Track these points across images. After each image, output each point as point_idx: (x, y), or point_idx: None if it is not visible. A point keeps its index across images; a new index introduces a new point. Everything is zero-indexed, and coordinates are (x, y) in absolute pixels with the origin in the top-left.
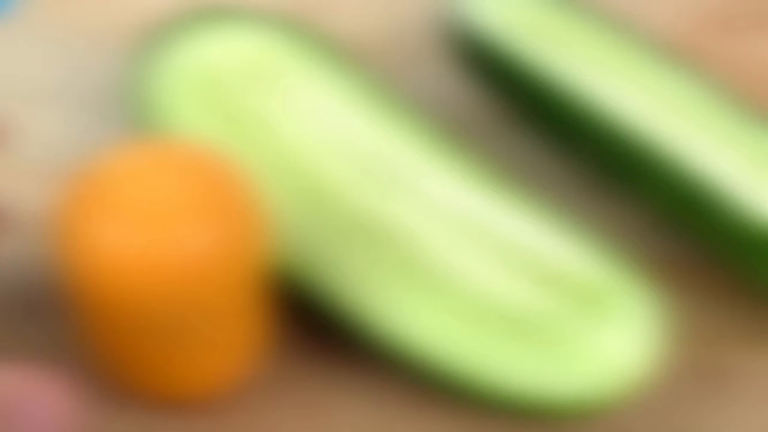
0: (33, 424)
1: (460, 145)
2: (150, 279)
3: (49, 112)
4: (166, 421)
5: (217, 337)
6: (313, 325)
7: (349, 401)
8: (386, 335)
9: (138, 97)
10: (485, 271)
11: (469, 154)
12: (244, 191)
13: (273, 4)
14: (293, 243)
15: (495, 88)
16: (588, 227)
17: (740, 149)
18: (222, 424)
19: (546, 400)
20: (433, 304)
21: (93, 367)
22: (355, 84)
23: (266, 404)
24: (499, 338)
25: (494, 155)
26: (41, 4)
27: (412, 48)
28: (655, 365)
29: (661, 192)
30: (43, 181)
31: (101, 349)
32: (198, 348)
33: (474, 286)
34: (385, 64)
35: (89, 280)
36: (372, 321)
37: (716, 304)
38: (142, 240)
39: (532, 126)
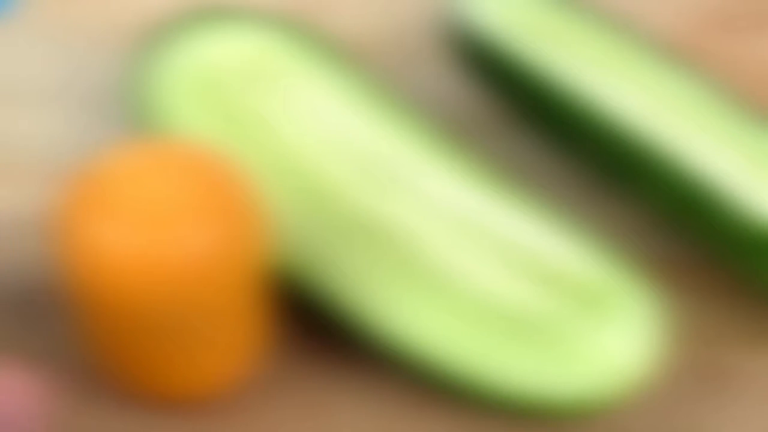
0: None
1: (460, 145)
2: (150, 279)
3: (49, 112)
4: (166, 421)
5: (217, 337)
6: (313, 325)
7: (349, 401)
8: (386, 335)
9: (138, 97)
10: (485, 271)
11: (469, 154)
12: (244, 191)
13: (273, 4)
14: (293, 243)
15: (495, 88)
16: (588, 227)
17: (740, 149)
18: (222, 424)
19: (546, 400)
20: (433, 304)
21: (93, 367)
22: (355, 84)
23: (266, 404)
24: (499, 338)
25: (494, 155)
26: (41, 4)
27: (412, 48)
28: (655, 365)
29: (661, 192)
30: (43, 181)
31: (101, 349)
32: (198, 348)
33: (474, 286)
34: (385, 64)
35: (89, 280)
36: (372, 321)
37: (716, 304)
38: (142, 240)
39: (532, 126)
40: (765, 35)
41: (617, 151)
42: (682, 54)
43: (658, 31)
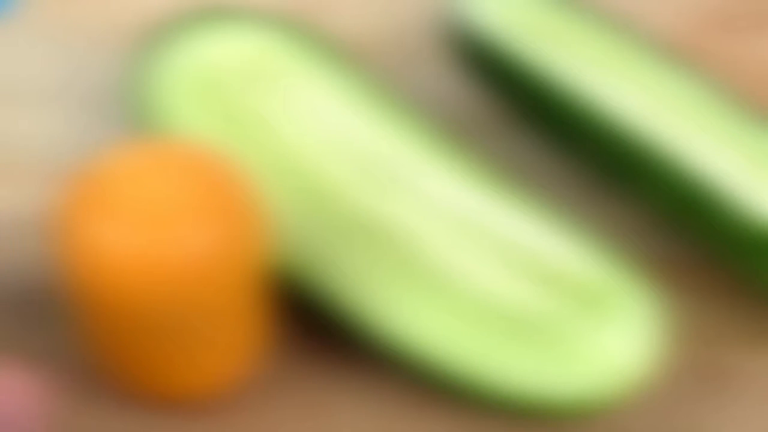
0: (2, 415)
1: (460, 145)
2: (150, 279)
3: (49, 112)
4: (166, 421)
5: (217, 337)
6: (313, 325)
7: (349, 401)
8: (386, 335)
9: (138, 97)
10: (485, 271)
11: (469, 154)
12: (244, 191)
13: (273, 4)
14: (293, 243)
15: (495, 88)
16: (588, 227)
17: (740, 149)
18: (222, 424)
19: (546, 400)
20: (433, 304)
21: (93, 367)
22: (355, 84)
23: (266, 404)
24: (499, 338)
25: (494, 155)
26: (41, 4)
27: (412, 48)
28: (655, 365)
29: (661, 192)
30: (43, 181)
31: (101, 349)
32: (198, 348)
33: (474, 286)
34: (385, 64)
35: (89, 280)
36: (372, 321)
37: (716, 304)
38: (142, 240)
39: (532, 126)
40: (765, 35)
41: (617, 151)
42: (682, 54)
43: (658, 31)
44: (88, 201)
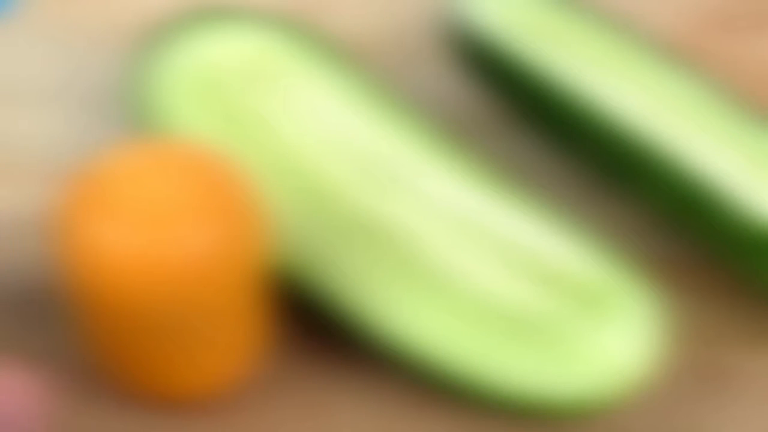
0: (2, 415)
1: (460, 145)
2: (150, 279)
3: (49, 112)
4: (166, 421)
5: (217, 337)
6: (313, 325)
7: (349, 401)
8: (386, 335)
9: (138, 97)
10: (485, 271)
11: (469, 154)
12: (244, 191)
13: (273, 4)
14: (293, 243)
15: (495, 88)
16: (588, 227)
17: (740, 149)
18: (222, 424)
19: (546, 400)
20: (433, 304)
21: (93, 367)
22: (355, 84)
23: (266, 404)
24: (499, 338)
25: (494, 155)
26: (41, 4)
27: (412, 48)
28: (655, 365)
29: (661, 192)
30: (43, 181)
31: (101, 349)
32: (198, 348)
33: (474, 286)
34: (385, 64)
35: (89, 280)
36: (372, 321)
37: (716, 304)
38: (142, 240)
39: (532, 126)
40: (765, 35)
41: (617, 151)
42: (682, 54)
43: (658, 31)
44: (88, 201)
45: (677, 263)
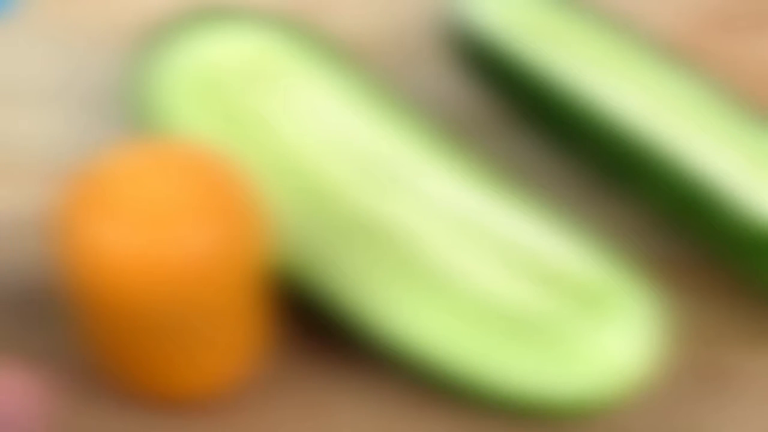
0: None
1: (460, 145)
2: (150, 279)
3: (49, 112)
4: (166, 421)
5: (217, 337)
6: (313, 325)
7: (349, 401)
8: (386, 335)
9: (138, 97)
10: (485, 271)
11: (469, 154)
12: (244, 191)
13: (273, 4)
14: (293, 243)
15: (495, 88)
16: (588, 227)
17: (740, 149)
18: (222, 424)
19: (546, 400)
20: (433, 304)
21: (93, 367)
22: (355, 84)
23: (266, 404)
24: (499, 338)
25: (494, 155)
26: (41, 4)
27: (412, 48)
28: (655, 365)
29: (661, 192)
30: (43, 181)
31: (101, 349)
32: (198, 348)
33: (474, 286)
34: (385, 64)
35: (89, 280)
36: (372, 321)
37: (716, 304)
38: (142, 240)
39: (532, 126)
40: (765, 35)
41: (617, 151)
42: (682, 54)
43: (658, 31)
44: (88, 201)
45: (677, 263)
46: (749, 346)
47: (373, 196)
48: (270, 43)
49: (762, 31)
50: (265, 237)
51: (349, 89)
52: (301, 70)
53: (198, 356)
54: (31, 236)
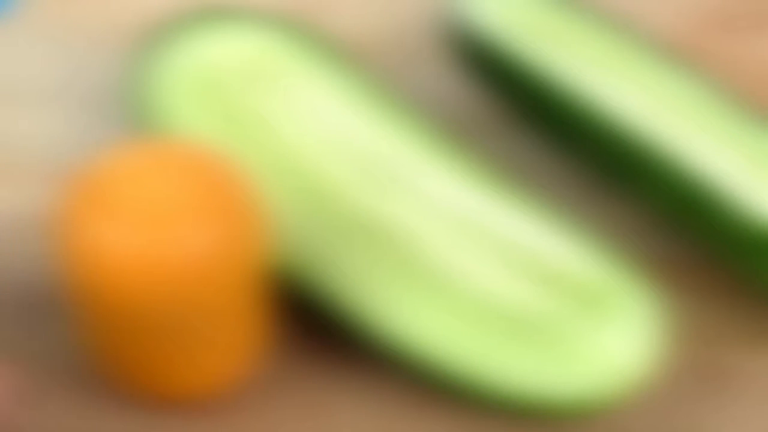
0: None
1: (460, 145)
2: (150, 279)
3: (49, 112)
4: (166, 421)
5: (217, 337)
6: (313, 325)
7: (349, 401)
8: (386, 335)
9: (138, 97)
10: (485, 271)
11: (469, 154)
12: (244, 191)
13: (273, 4)
14: (293, 243)
15: (495, 88)
16: (588, 227)
17: (740, 149)
18: (222, 424)
19: (546, 400)
20: (433, 304)
21: (93, 367)
22: (355, 84)
23: (266, 404)
24: (499, 338)
25: (494, 155)
26: (41, 4)
27: (412, 48)
28: (655, 365)
29: (661, 192)
30: (43, 181)
31: (101, 350)
32: (198, 348)
33: (474, 286)
34: (385, 64)
35: (89, 280)
36: (372, 321)
37: (716, 304)
38: (142, 240)
39: (532, 126)
40: (765, 35)
41: (617, 151)
42: (682, 54)
43: (658, 31)
44: (88, 201)
45: (677, 263)
46: (749, 346)
47: (373, 196)
48: (270, 43)
49: (762, 31)
50: (265, 237)
51: (349, 89)
52: (301, 70)
53: (198, 356)
54: (31, 236)
